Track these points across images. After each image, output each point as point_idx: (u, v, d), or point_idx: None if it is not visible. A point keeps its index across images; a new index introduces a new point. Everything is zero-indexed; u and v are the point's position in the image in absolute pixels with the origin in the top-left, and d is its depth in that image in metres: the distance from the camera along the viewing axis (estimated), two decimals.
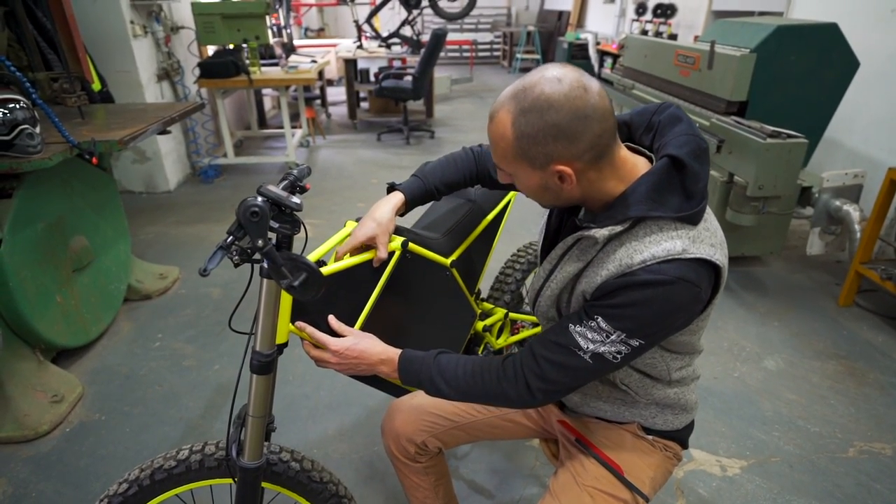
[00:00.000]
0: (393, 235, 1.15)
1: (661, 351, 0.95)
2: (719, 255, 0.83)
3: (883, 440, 1.91)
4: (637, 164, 0.86)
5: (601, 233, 0.83)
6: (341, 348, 1.00)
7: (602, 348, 0.84)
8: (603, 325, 0.83)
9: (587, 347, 0.85)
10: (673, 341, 0.93)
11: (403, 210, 1.18)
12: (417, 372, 0.97)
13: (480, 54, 11.22)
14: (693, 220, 0.82)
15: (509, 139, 0.80)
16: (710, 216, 0.87)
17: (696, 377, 1.06)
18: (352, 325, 1.09)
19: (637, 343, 0.83)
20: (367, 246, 1.12)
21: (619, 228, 0.82)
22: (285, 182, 0.98)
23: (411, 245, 1.20)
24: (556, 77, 0.77)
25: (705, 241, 0.82)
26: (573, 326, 0.86)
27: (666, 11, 6.01)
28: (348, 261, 1.08)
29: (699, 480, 1.75)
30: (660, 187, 0.82)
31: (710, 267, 0.82)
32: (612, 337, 0.83)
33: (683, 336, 0.92)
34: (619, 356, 0.85)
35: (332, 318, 1.05)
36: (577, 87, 0.77)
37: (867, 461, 1.82)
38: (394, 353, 1.00)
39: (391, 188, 1.20)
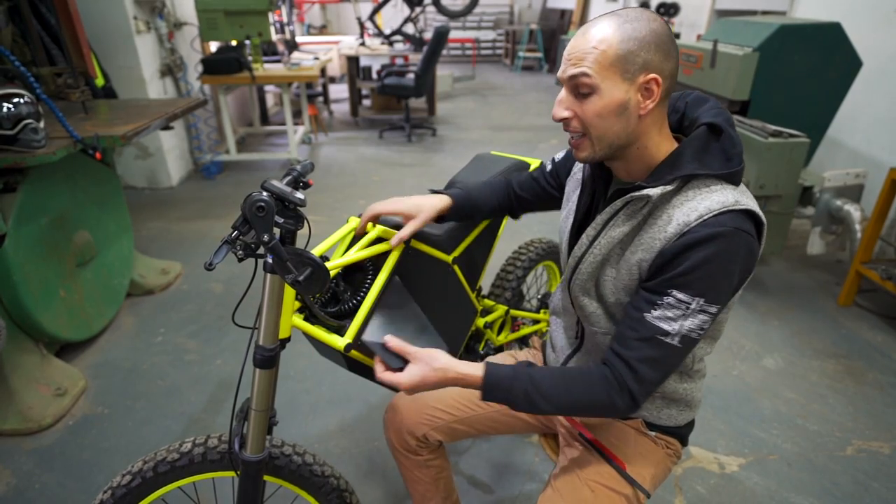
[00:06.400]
0: (395, 232, 1.16)
1: None
2: (761, 214, 0.86)
3: (881, 439, 1.92)
4: (672, 137, 0.91)
5: (654, 191, 0.85)
6: (416, 381, 0.91)
7: (686, 324, 0.83)
8: (680, 296, 0.83)
9: (673, 330, 0.84)
10: None
11: (446, 215, 1.21)
12: (508, 389, 0.90)
13: (483, 52, 11.21)
14: (734, 179, 0.87)
15: (612, 42, 0.81)
16: (745, 187, 0.91)
17: (704, 374, 1.07)
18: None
19: (714, 309, 0.84)
20: (379, 239, 1.14)
21: (670, 188, 0.85)
22: (289, 177, 0.98)
23: (413, 241, 1.20)
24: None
25: (749, 197, 0.86)
26: (648, 315, 0.85)
27: (669, 10, 6.00)
28: (353, 255, 1.09)
29: (698, 478, 1.76)
30: (702, 150, 0.86)
31: (755, 223, 0.85)
32: (692, 306, 0.82)
33: (722, 313, 0.94)
34: (701, 331, 0.85)
35: (390, 338, 0.97)
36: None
37: (865, 459, 1.83)
38: (475, 370, 0.91)
39: (434, 193, 1.21)
